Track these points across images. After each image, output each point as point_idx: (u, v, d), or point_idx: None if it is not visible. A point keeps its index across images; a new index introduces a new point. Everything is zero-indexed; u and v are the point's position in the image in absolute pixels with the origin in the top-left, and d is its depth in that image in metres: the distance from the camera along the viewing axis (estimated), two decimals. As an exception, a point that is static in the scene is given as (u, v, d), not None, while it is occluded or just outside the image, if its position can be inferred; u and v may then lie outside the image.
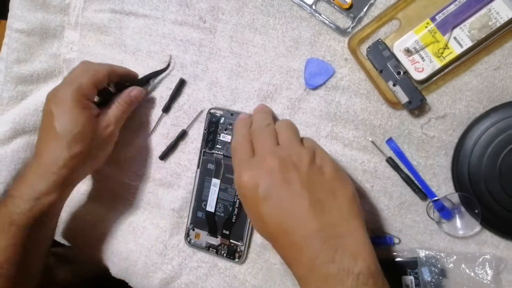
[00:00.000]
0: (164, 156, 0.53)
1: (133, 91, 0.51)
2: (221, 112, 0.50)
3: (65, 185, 0.46)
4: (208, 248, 0.50)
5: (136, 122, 0.54)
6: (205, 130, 0.50)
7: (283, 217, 0.36)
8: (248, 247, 0.50)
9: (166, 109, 0.53)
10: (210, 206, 0.50)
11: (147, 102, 0.53)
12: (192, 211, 0.51)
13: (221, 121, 0.50)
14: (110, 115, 0.49)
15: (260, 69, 0.49)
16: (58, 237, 0.57)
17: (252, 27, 0.49)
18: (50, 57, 0.58)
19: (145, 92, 0.52)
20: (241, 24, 0.50)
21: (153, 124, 0.53)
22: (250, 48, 0.50)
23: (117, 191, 0.56)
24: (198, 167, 0.51)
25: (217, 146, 0.50)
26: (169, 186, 0.53)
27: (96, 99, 0.50)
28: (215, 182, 0.50)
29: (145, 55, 0.54)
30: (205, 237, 0.51)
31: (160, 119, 0.53)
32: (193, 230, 0.51)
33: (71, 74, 0.48)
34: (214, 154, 0.50)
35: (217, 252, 0.50)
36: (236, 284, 0.50)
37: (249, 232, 0.49)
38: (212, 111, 0.50)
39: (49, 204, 0.45)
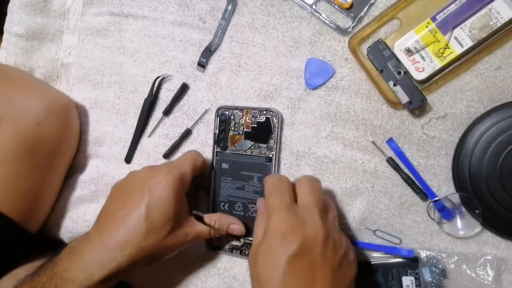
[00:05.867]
0: (167, 155, 0.52)
1: (236, 226, 0.47)
2: (230, 110, 0.49)
3: (118, 276, 0.41)
4: (232, 250, 0.49)
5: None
6: (216, 129, 0.50)
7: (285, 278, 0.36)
8: None
9: (167, 112, 0.52)
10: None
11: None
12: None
13: (231, 118, 0.49)
14: (196, 229, 0.44)
15: (260, 69, 0.49)
16: (58, 237, 0.56)
17: (252, 26, 0.49)
18: (48, 61, 0.57)
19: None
20: (241, 24, 0.50)
21: (152, 126, 0.53)
22: (250, 48, 0.50)
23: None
24: (212, 168, 0.50)
25: (229, 144, 0.49)
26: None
27: None
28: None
29: (144, 57, 0.53)
30: (227, 239, 0.49)
31: (160, 121, 0.53)
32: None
33: (175, 162, 0.46)
34: (227, 153, 0.49)
35: (241, 253, 0.49)
36: (236, 284, 0.49)
37: None
38: (221, 110, 0.49)
39: None
